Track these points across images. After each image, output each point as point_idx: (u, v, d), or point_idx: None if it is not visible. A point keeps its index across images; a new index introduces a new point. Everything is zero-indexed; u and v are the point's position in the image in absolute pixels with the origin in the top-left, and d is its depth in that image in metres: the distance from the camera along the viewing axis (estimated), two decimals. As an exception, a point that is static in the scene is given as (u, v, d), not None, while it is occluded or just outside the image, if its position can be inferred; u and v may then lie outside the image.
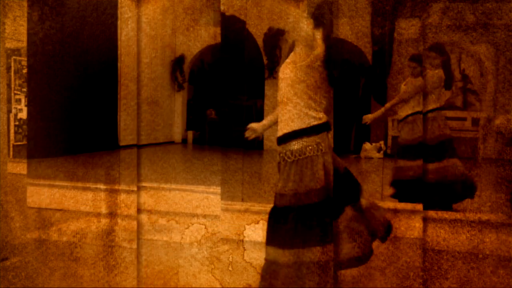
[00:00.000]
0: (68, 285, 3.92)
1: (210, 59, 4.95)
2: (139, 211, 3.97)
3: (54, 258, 4.05)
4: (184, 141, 4.76)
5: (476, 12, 3.52)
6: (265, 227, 2.98)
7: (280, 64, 3.04)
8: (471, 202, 3.48)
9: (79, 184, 4.14)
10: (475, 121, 3.69)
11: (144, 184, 4.00)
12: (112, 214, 4.00)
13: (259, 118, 4.21)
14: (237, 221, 3.70)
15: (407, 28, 3.64)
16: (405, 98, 3.67)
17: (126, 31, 4.16)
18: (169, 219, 3.92)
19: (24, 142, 4.34)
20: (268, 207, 2.96)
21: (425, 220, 3.42)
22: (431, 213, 3.44)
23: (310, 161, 2.88)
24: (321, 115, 2.89)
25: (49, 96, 4.35)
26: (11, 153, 4.34)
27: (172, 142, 4.73)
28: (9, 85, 4.33)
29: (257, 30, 4.29)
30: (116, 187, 4.04)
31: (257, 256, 3.45)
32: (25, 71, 4.26)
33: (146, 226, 3.95)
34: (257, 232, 3.61)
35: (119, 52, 4.30)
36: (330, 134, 2.92)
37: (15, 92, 4.33)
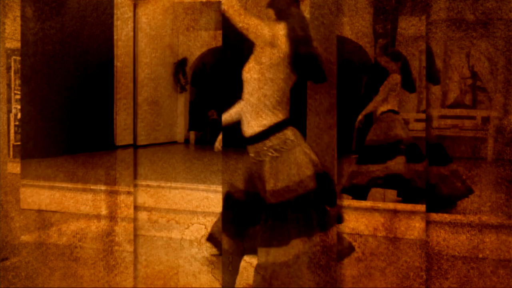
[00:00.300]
0: (68, 285, 3.92)
1: (211, 60, 4.96)
2: (138, 210, 3.97)
3: (54, 258, 4.05)
4: (187, 141, 4.77)
5: (476, 12, 3.52)
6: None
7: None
8: (471, 202, 3.48)
9: (79, 185, 4.14)
10: (484, 120, 3.68)
11: (144, 183, 4.00)
12: (112, 214, 4.00)
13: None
14: (237, 221, 3.69)
15: (407, 28, 3.64)
16: (384, 96, 3.74)
17: (126, 31, 4.16)
18: (169, 219, 3.92)
19: (24, 142, 4.35)
20: (268, 207, 2.96)
21: (426, 220, 3.42)
22: (432, 214, 3.44)
23: (292, 153, 2.90)
24: (286, 111, 2.93)
25: (49, 96, 4.35)
26: (11, 153, 4.34)
27: (174, 142, 4.73)
28: (9, 85, 4.33)
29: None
30: (116, 187, 4.04)
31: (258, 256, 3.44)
32: (25, 71, 4.27)
33: (146, 226, 3.95)
34: (257, 232, 3.61)
35: (115, 52, 4.29)
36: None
37: (15, 92, 4.34)
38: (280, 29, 2.89)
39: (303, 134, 3.22)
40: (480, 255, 3.33)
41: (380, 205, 3.54)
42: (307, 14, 3.69)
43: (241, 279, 3.47)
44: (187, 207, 3.90)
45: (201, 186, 3.91)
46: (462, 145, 3.65)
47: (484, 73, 3.67)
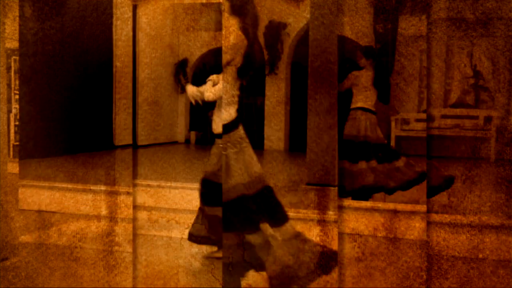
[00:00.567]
0: (68, 285, 3.92)
1: (212, 60, 4.96)
2: (138, 210, 3.97)
3: (54, 258, 4.05)
4: (187, 141, 4.77)
5: (476, 11, 3.52)
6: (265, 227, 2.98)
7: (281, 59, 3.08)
8: (471, 202, 3.47)
9: (79, 185, 4.14)
10: (487, 120, 3.67)
11: (144, 183, 4.00)
12: (112, 214, 4.00)
13: (259, 115, 4.21)
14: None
15: (407, 28, 3.64)
16: (341, 89, 3.73)
17: (126, 31, 4.16)
18: (169, 219, 3.92)
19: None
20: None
21: (426, 220, 3.42)
22: (432, 214, 3.44)
23: (249, 148, 2.96)
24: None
25: (49, 96, 4.35)
26: (11, 153, 4.34)
27: (175, 142, 4.73)
28: (9, 85, 4.34)
29: (258, 30, 4.28)
30: (116, 187, 4.04)
31: (258, 256, 3.45)
32: (24, 71, 4.27)
33: (146, 225, 3.95)
34: (257, 232, 3.61)
35: (114, 52, 4.29)
36: None
37: (15, 92, 4.34)
38: (232, 22, 2.90)
39: (303, 134, 3.23)
40: (480, 255, 3.33)
41: (380, 205, 3.54)
42: (307, 14, 3.69)
43: (241, 279, 3.48)
44: (187, 207, 3.90)
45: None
46: (462, 145, 3.65)
47: (485, 73, 3.67)
